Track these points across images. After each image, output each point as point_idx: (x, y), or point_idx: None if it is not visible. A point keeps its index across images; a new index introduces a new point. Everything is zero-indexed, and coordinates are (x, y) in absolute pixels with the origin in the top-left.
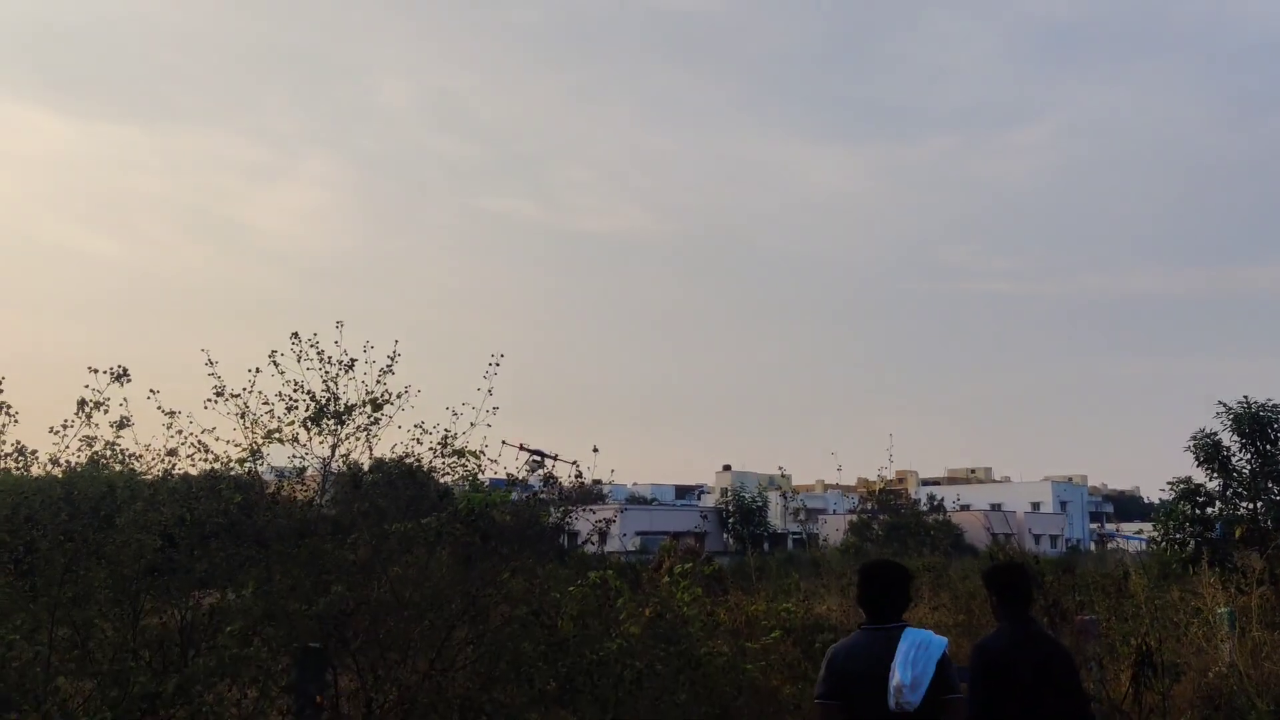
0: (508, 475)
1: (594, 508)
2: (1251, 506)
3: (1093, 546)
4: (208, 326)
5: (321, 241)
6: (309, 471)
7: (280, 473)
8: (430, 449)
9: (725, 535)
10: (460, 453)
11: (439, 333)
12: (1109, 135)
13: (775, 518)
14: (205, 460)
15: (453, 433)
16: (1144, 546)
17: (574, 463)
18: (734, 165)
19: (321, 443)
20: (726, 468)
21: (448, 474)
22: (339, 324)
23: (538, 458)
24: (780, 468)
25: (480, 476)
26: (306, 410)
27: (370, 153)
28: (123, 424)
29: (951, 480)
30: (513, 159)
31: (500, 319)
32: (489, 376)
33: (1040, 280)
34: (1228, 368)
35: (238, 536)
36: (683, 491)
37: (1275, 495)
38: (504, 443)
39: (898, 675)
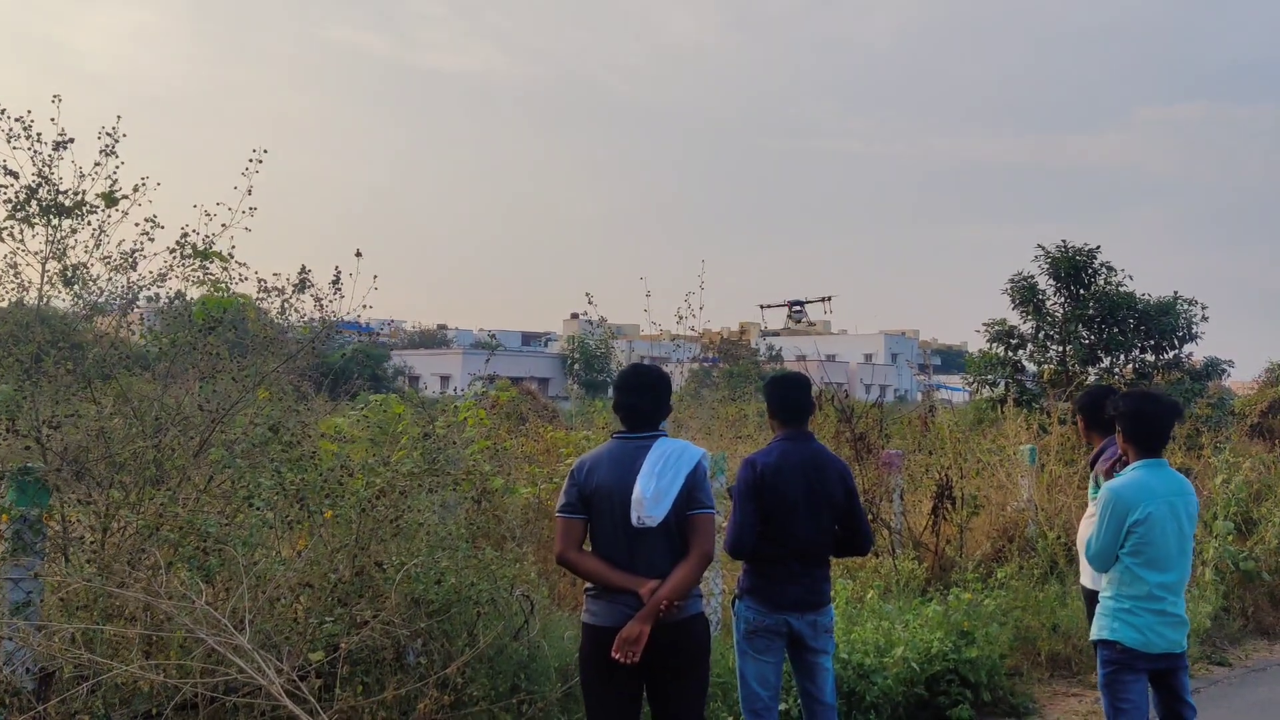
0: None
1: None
2: (1061, 350)
3: (920, 397)
4: None
5: (149, 66)
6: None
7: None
8: (170, 249)
9: (569, 381)
10: (205, 254)
11: (273, 168)
12: None
13: (621, 363)
14: None
15: (199, 232)
16: (967, 398)
17: (827, 298)
18: (592, 9)
19: (35, 237)
20: (575, 316)
21: (189, 280)
22: (56, 98)
23: (798, 308)
24: (645, 310)
25: (232, 286)
26: (19, 198)
27: None
28: None
29: (791, 333)
30: None
31: (342, 156)
32: (248, 174)
33: (889, 142)
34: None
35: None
36: (529, 338)
37: (1084, 339)
38: (764, 306)
39: (639, 487)
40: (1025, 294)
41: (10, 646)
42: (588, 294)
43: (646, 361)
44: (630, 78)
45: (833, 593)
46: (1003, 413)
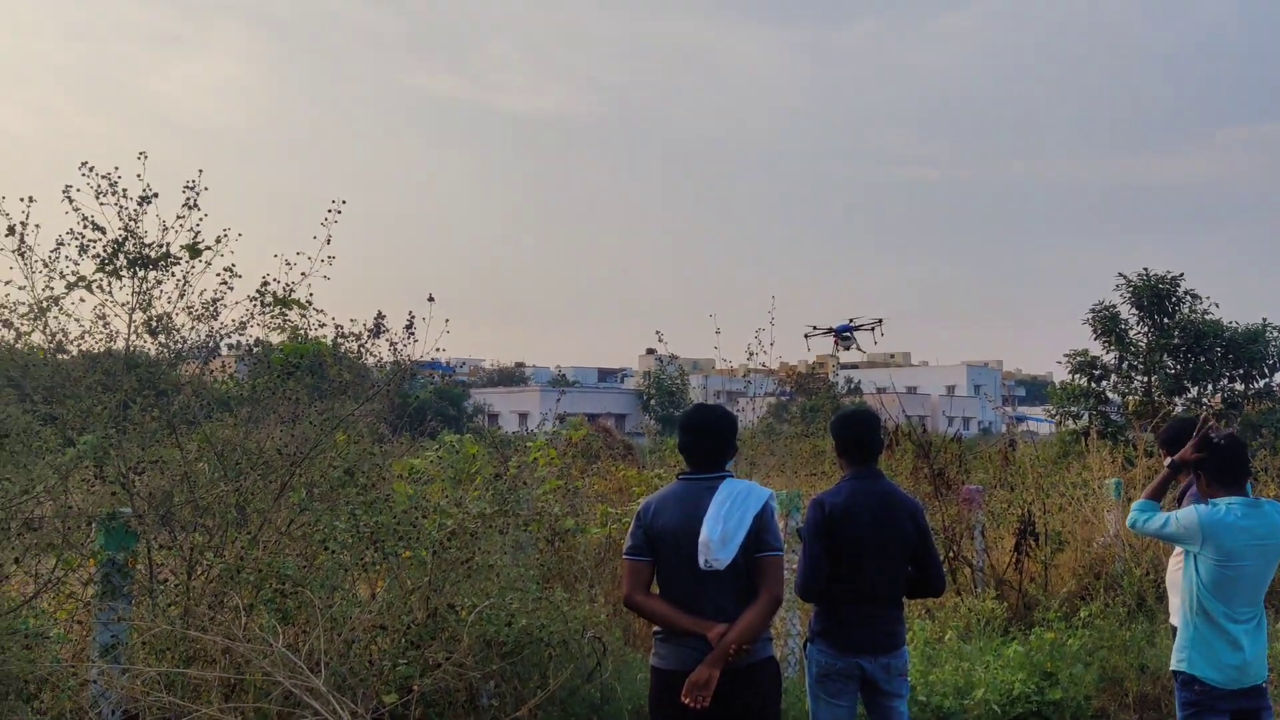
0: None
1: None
2: (1146, 380)
3: (1004, 429)
4: None
5: (234, 116)
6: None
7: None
8: (250, 298)
9: (645, 417)
10: (284, 302)
11: (353, 211)
12: (1030, 22)
13: (697, 399)
14: None
15: (279, 280)
16: (1053, 429)
17: (876, 323)
18: (662, 45)
19: (122, 289)
20: (650, 352)
21: (269, 327)
22: (142, 154)
23: (847, 334)
24: (715, 347)
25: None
26: (106, 252)
27: (285, 22)
28: None
29: (871, 365)
30: (436, 33)
31: (420, 199)
32: (327, 224)
33: (965, 166)
34: (1143, 256)
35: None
36: (605, 374)
37: (1170, 369)
38: (810, 330)
39: (706, 530)
40: (1107, 324)
41: (97, 689)
42: (658, 332)
43: (721, 396)
44: (701, 111)
45: (909, 634)
46: (1087, 445)
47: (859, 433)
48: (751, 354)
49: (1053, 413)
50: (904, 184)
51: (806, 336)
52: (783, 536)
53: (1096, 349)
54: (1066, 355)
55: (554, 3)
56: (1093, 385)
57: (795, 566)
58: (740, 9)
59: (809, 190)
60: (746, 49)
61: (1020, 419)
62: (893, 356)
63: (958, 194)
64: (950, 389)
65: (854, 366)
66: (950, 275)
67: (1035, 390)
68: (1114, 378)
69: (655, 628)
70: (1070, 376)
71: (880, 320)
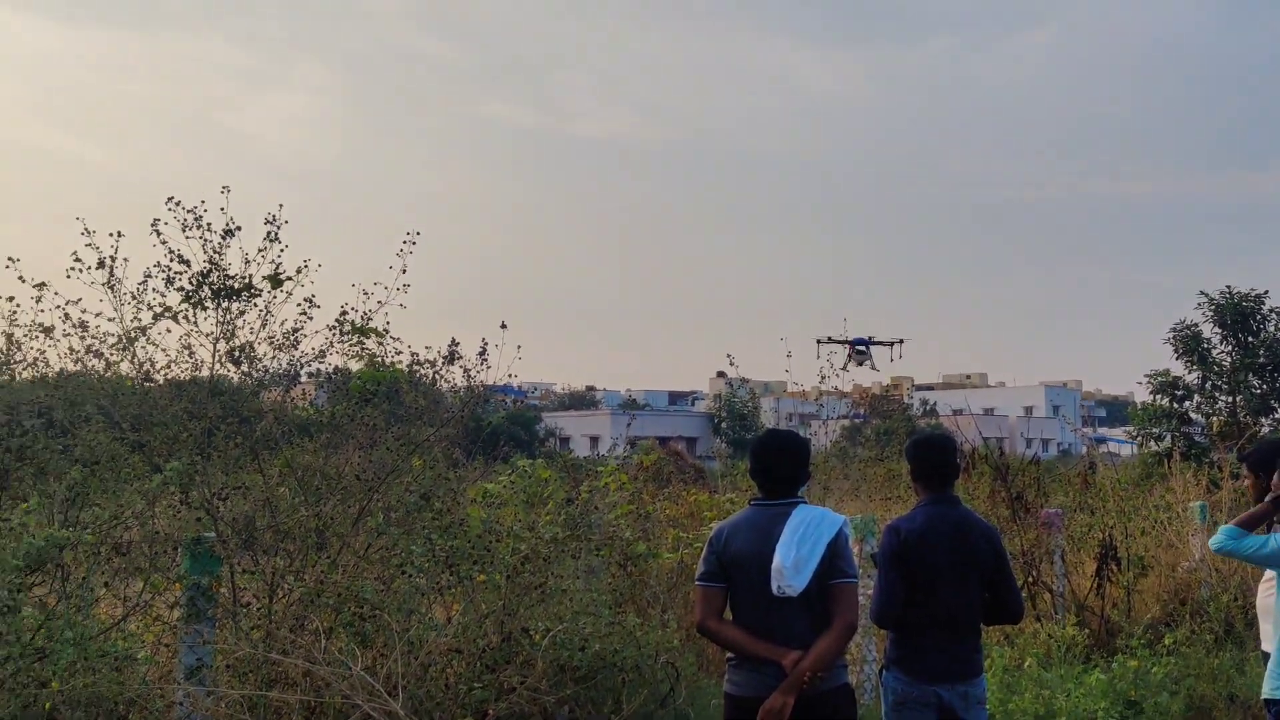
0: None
1: (585, 412)
2: (1231, 400)
3: (1084, 451)
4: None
5: (311, 148)
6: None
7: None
8: (330, 327)
9: (717, 440)
10: (362, 330)
11: (428, 239)
12: (1111, 38)
13: (768, 422)
14: (81, 339)
15: (357, 309)
16: (1135, 451)
17: (897, 342)
18: (730, 68)
19: (207, 319)
20: (720, 375)
21: (348, 355)
22: (225, 189)
23: (863, 348)
24: (786, 370)
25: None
26: (192, 284)
27: (361, 57)
28: None
29: (946, 385)
30: (505, 63)
31: (493, 225)
32: (403, 254)
33: (1042, 186)
34: (1226, 273)
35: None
36: (676, 398)
37: (1256, 389)
38: (823, 339)
39: (779, 556)
40: (1189, 343)
41: (183, 711)
42: (729, 355)
43: (793, 420)
44: (771, 135)
45: (987, 661)
46: (1170, 467)
47: (934, 457)
48: (824, 377)
49: (1134, 434)
50: (978, 203)
51: (819, 343)
52: (857, 562)
53: (1178, 369)
54: (1147, 375)
55: (623, 31)
56: (1175, 406)
57: (870, 592)
58: (809, 31)
59: (879, 211)
60: (816, 70)
61: (1100, 440)
62: (968, 377)
63: (1034, 212)
64: (1028, 410)
65: (929, 388)
66: (1027, 294)
67: (1116, 411)
68: (1197, 398)
69: (729, 654)
70: (1151, 397)
71: (901, 340)
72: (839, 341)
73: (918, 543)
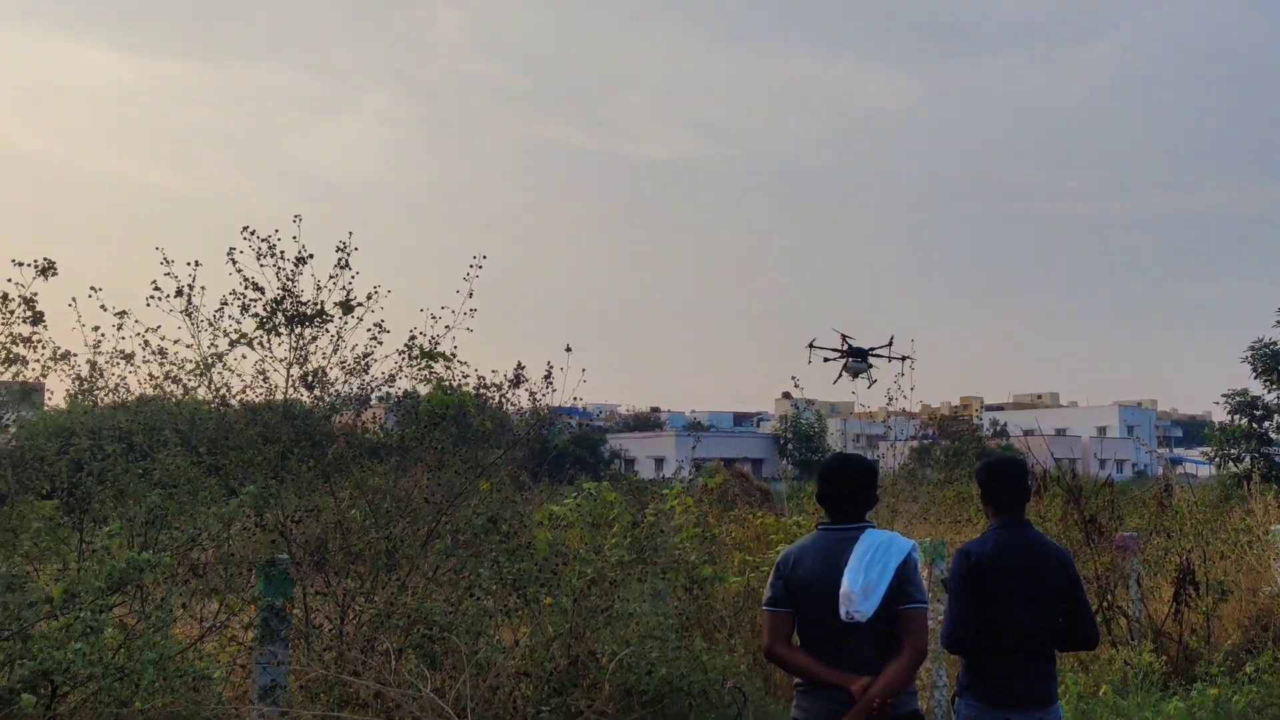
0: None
1: (649, 434)
2: None
3: (1160, 472)
4: None
5: (378, 174)
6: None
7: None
8: (399, 351)
9: (783, 461)
10: (430, 355)
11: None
12: (1174, 50)
13: (835, 444)
14: (160, 365)
15: (425, 334)
16: (1213, 472)
17: (905, 358)
18: (789, 86)
19: (280, 345)
20: (786, 396)
21: (417, 379)
22: (297, 218)
23: (858, 359)
24: (853, 393)
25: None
26: (266, 311)
27: (426, 84)
28: (36, 319)
29: (1017, 405)
30: (566, 86)
31: (556, 248)
32: (469, 279)
33: (1108, 200)
34: None
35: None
36: (741, 419)
37: None
38: (814, 344)
39: (847, 581)
40: (1268, 362)
41: None
42: (794, 376)
43: (860, 440)
44: (831, 153)
45: (1061, 687)
46: (1249, 489)
47: (1005, 480)
48: (891, 398)
49: (1212, 455)
50: (1041, 219)
51: (810, 347)
52: (926, 587)
53: (1257, 388)
54: (1225, 395)
55: (678, 51)
56: (1254, 426)
57: (941, 617)
58: (865, 48)
59: (940, 228)
60: (873, 87)
61: (1177, 461)
62: (1039, 397)
63: (1099, 227)
64: (1101, 430)
65: (999, 408)
66: (1098, 311)
67: (1193, 431)
68: (1277, 418)
69: (796, 679)
70: (1230, 417)
71: (905, 357)
72: (830, 349)
73: (989, 567)
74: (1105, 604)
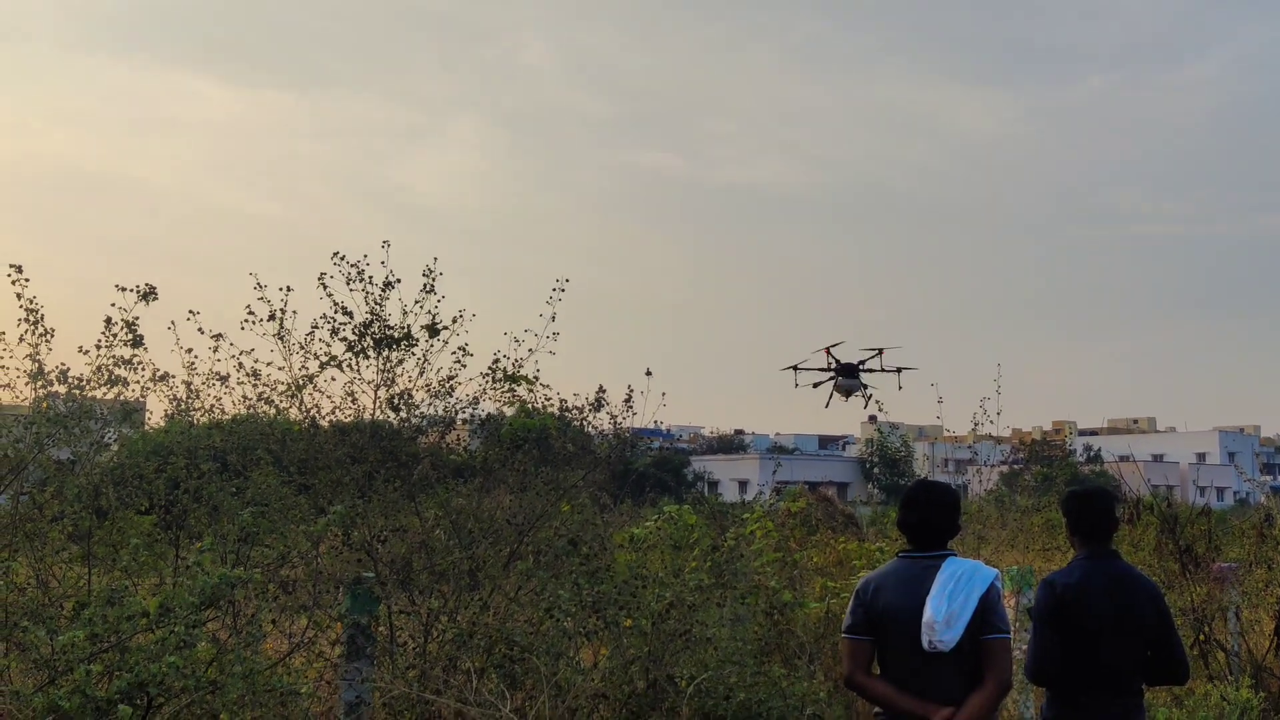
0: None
1: (733, 456)
2: None
3: (1264, 499)
4: None
5: (466, 201)
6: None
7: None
8: (483, 374)
9: (869, 485)
10: (513, 378)
11: (584, 290)
12: (1275, 68)
13: (922, 468)
14: (254, 387)
15: (509, 357)
16: None
17: (900, 370)
18: (881, 112)
19: (368, 367)
20: (872, 419)
21: (500, 402)
22: (385, 243)
23: (849, 378)
24: (938, 416)
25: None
26: (355, 334)
27: (516, 112)
28: (137, 341)
29: (1112, 430)
30: (656, 113)
31: (645, 274)
32: (552, 302)
33: (1211, 222)
34: None
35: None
36: (826, 442)
37: None
38: (795, 369)
39: (929, 610)
40: None
41: None
42: (879, 401)
43: (948, 465)
44: (922, 177)
45: None
46: None
47: (1091, 511)
48: (977, 423)
49: None
50: (1141, 242)
51: (794, 369)
52: (1011, 616)
53: None
54: None
55: (765, 77)
56: None
57: (1026, 647)
58: (958, 73)
59: (1036, 253)
60: (970, 112)
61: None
62: (1136, 421)
63: (1201, 251)
64: (1201, 456)
65: (1093, 433)
66: (1198, 334)
67: None
68: None
69: (876, 709)
70: None
71: (900, 369)
72: (817, 369)
73: (1075, 599)
74: (1201, 637)
